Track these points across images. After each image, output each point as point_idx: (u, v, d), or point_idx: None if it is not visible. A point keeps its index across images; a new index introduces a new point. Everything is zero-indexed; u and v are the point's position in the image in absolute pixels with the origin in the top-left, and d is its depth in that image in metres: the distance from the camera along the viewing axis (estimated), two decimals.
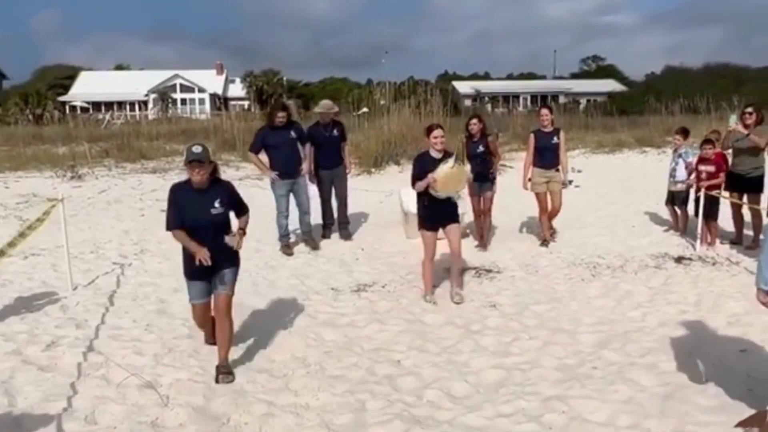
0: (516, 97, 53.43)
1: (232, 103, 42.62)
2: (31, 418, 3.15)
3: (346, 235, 7.36)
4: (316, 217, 7.29)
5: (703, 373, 3.58)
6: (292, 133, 6.78)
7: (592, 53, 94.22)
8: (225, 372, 3.63)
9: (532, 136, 6.95)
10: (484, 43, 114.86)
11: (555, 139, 6.78)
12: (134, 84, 45.50)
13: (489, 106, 46.30)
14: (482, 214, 6.92)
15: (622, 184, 11.59)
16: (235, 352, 3.99)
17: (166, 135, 19.20)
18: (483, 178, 6.62)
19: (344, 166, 7.40)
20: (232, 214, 3.86)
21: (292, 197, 6.85)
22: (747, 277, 5.39)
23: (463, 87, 55.15)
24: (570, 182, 7.72)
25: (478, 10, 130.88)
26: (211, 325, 3.87)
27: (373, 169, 12.17)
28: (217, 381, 3.58)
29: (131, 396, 3.43)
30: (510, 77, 73.86)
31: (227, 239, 3.66)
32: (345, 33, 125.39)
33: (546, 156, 6.79)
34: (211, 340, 4.00)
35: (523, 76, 71.09)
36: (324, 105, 7.43)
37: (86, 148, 14.99)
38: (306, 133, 7.08)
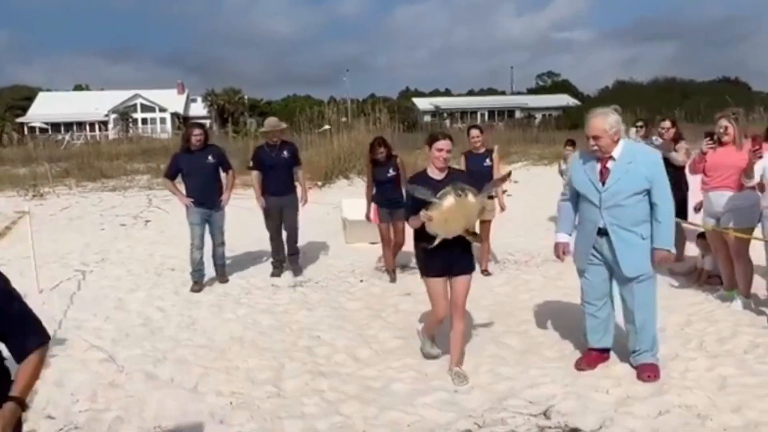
0: (474, 112, 55.31)
1: (194, 121, 42.96)
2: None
3: (296, 269, 6.66)
4: (255, 251, 7.28)
5: (559, 336, 4.54)
6: (210, 158, 6.18)
7: (550, 69, 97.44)
8: None
9: (462, 158, 6.50)
10: (445, 60, 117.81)
11: (487, 161, 6.37)
12: (94, 104, 45.52)
13: (448, 122, 48.01)
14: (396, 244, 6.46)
15: (551, 192, 12.69)
16: (178, 335, 4.79)
17: (127, 154, 19.70)
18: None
19: (296, 194, 6.64)
20: None
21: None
22: None
23: (423, 103, 56.75)
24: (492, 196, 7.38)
25: (439, 27, 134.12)
26: None
27: (319, 183, 13.01)
28: None
29: (93, 367, 4.19)
30: (471, 93, 76.11)
31: None
32: (307, 51, 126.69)
33: (478, 180, 6.76)
34: None
35: (483, 92, 73.32)
36: (269, 123, 6.75)
37: (47, 168, 15.45)
38: (254, 158, 6.61)
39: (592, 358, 3.97)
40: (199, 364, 4.19)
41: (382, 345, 4.56)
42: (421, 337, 4.33)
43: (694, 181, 5.97)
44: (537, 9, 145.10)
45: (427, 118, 50.09)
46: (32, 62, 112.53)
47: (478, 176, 5.92)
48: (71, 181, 15.06)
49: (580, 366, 3.93)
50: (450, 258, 3.76)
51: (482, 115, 54.86)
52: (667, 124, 6.59)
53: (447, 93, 78.50)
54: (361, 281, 6.40)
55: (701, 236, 5.95)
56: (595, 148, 3.65)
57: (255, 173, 6.61)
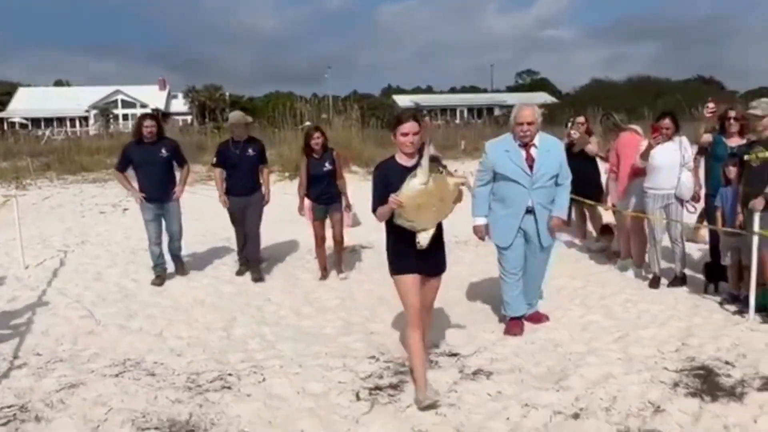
0: (453, 110, 56.35)
1: (175, 117, 43.37)
2: (2, 334, 4.64)
3: (256, 277, 6.18)
4: (220, 247, 7.38)
5: (479, 301, 5.39)
6: (163, 151, 6.00)
7: (531, 67, 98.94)
8: None
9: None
10: (427, 58, 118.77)
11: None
12: (74, 100, 45.67)
13: (428, 119, 49.00)
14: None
15: None
16: (149, 299, 5.58)
17: (108, 149, 20.25)
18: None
19: (260, 194, 6.32)
20: None
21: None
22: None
23: (404, 101, 57.53)
24: None
25: (423, 25, 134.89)
26: None
27: (287, 173, 13.78)
28: None
29: (74, 321, 4.96)
30: (453, 90, 77.21)
31: None
32: (290, 48, 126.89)
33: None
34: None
35: (465, 90, 74.41)
36: (234, 117, 6.42)
37: (29, 162, 16.03)
38: (217, 154, 6.27)
39: (517, 324, 4.43)
40: (165, 318, 4.99)
41: (322, 304, 5.38)
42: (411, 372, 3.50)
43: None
44: (520, 7, 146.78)
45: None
46: (12, 58, 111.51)
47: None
48: (52, 174, 15.66)
49: (510, 333, 4.38)
50: (424, 254, 3.32)
51: (461, 112, 55.88)
52: (581, 119, 7.50)
53: (429, 90, 79.48)
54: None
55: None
56: (528, 133, 4.18)
57: (218, 171, 6.32)
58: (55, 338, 4.57)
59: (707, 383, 3.45)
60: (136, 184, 6.09)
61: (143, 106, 46.72)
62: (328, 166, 6.00)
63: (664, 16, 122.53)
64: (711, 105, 5.84)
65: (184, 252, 6.65)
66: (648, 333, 4.32)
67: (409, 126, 3.34)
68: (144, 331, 4.69)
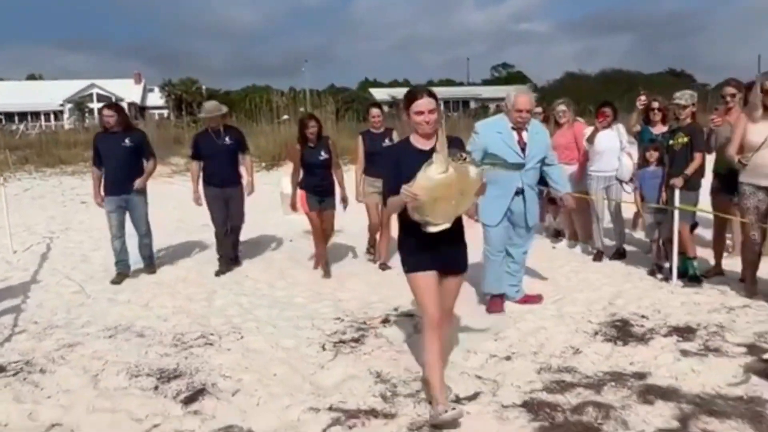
0: None
1: (151, 111, 43.25)
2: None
3: (234, 257, 6.31)
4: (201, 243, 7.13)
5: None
6: (127, 141, 5.80)
7: (508, 60, 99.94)
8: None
9: (360, 138, 6.23)
10: (404, 51, 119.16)
11: (387, 141, 6.06)
12: (48, 94, 45.21)
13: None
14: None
15: None
16: (136, 276, 6.02)
17: (84, 143, 20.34)
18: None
19: (242, 185, 6.17)
20: None
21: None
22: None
23: (380, 94, 57.86)
24: None
25: (400, 18, 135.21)
26: None
27: (264, 163, 14.22)
28: None
29: (66, 296, 5.39)
30: (429, 84, 77.78)
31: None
32: (267, 41, 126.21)
33: (377, 162, 5.79)
34: None
35: (441, 83, 75.02)
36: (207, 108, 6.19)
37: (7, 155, 16.17)
38: (193, 145, 6.17)
39: (498, 302, 4.62)
40: (150, 292, 5.45)
41: (295, 279, 5.88)
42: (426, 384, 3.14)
43: None
44: (496, 1, 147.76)
45: (384, 108, 51.24)
46: None
47: (377, 158, 5.56)
48: (31, 167, 15.85)
49: (491, 311, 4.58)
50: (442, 249, 2.96)
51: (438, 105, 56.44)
52: (538, 109, 8.08)
53: (406, 84, 79.94)
54: (291, 241, 7.68)
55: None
56: (526, 119, 4.36)
57: (194, 164, 6.17)
58: (49, 309, 5.01)
59: (622, 332, 4.05)
60: None
61: (119, 100, 46.39)
62: (323, 155, 5.78)
63: (637, 9, 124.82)
64: (643, 98, 6.46)
65: (162, 242, 6.97)
66: (582, 296, 4.92)
67: (425, 103, 2.91)
68: (132, 303, 5.15)
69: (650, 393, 3.16)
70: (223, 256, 6.15)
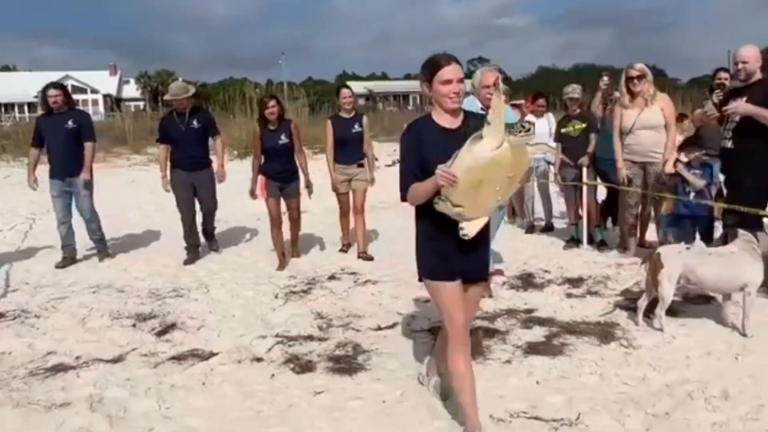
0: (406, 96, 57.73)
1: (127, 103, 43.29)
2: None
3: (215, 247, 6.32)
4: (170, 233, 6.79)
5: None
6: (70, 123, 5.67)
7: (484, 54, 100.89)
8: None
9: (329, 123, 5.96)
10: (383, 45, 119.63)
11: (356, 126, 5.87)
12: (22, 86, 44.86)
13: (381, 105, 50.24)
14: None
15: None
16: (115, 250, 6.69)
17: None
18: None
19: (211, 169, 6.00)
20: None
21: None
22: None
23: (357, 87, 58.35)
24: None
25: (379, 11, 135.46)
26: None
27: (236, 152, 14.86)
28: None
29: (52, 264, 6.05)
30: (408, 77, 78.47)
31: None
32: (245, 33, 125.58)
33: (347, 149, 5.86)
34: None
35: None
36: (174, 89, 5.93)
37: None
38: (160, 129, 5.96)
39: None
40: (127, 259, 6.16)
41: (259, 249, 6.60)
42: (426, 377, 3.07)
43: None
44: None
45: (361, 101, 51.92)
46: None
47: (346, 144, 5.78)
48: (8, 156, 16.23)
49: None
50: (469, 252, 2.54)
51: (414, 98, 57.19)
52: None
53: (384, 77, 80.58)
54: (258, 219, 8.36)
55: None
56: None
57: (162, 148, 6.00)
58: (38, 274, 5.68)
59: (525, 282, 4.90)
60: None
61: (94, 91, 46.35)
62: (284, 138, 5.50)
63: (615, 5, 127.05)
64: (606, 78, 6.44)
65: (139, 224, 7.55)
66: (505, 258, 5.73)
67: (452, 70, 2.42)
68: (111, 268, 5.86)
69: (531, 322, 3.99)
70: (191, 245, 5.99)
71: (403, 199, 2.54)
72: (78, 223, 6.16)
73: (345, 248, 6.20)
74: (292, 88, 23.93)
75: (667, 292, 3.68)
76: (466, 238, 2.41)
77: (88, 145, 5.83)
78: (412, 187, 2.46)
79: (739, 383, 3.10)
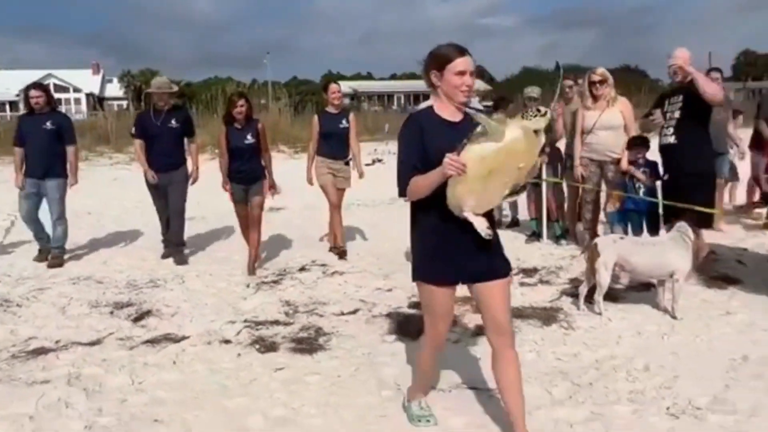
0: (391, 96, 58.12)
1: (110, 102, 43.12)
2: None
3: (180, 260, 5.86)
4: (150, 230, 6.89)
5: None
6: (49, 124, 5.72)
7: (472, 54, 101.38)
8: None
9: (315, 118, 6.02)
10: (369, 44, 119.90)
11: (344, 122, 5.90)
12: (4, 84, 44.51)
13: (366, 105, 50.57)
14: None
15: None
16: (92, 242, 6.91)
17: None
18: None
19: (185, 170, 5.94)
20: None
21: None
22: None
23: (342, 87, 58.66)
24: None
25: (364, 11, 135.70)
26: None
27: (217, 150, 15.07)
28: None
29: (32, 258, 6.27)
30: (393, 77, 78.78)
31: None
32: (230, 32, 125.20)
33: (333, 144, 5.90)
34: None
35: (405, 76, 76.14)
36: (156, 83, 5.92)
37: None
38: (136, 124, 5.93)
39: None
40: (107, 253, 6.41)
41: (234, 246, 6.86)
42: (407, 399, 2.87)
43: None
44: None
45: (346, 101, 52.10)
46: None
47: (332, 139, 5.80)
48: None
49: None
50: (474, 254, 2.36)
51: (399, 98, 57.66)
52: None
53: (369, 77, 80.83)
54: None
55: None
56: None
57: (138, 142, 5.92)
58: (20, 267, 5.89)
59: None
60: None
61: (76, 90, 46.11)
62: (250, 138, 5.38)
63: (600, 6, 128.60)
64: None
65: (119, 220, 7.78)
66: None
67: (466, 62, 2.35)
68: (90, 261, 6.10)
69: None
70: (167, 239, 6.06)
71: (402, 194, 2.36)
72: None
73: (342, 254, 5.90)
74: (275, 88, 24.15)
75: (604, 279, 4.02)
76: (489, 237, 2.25)
77: (70, 149, 5.89)
78: (414, 180, 2.30)
79: (660, 359, 3.44)
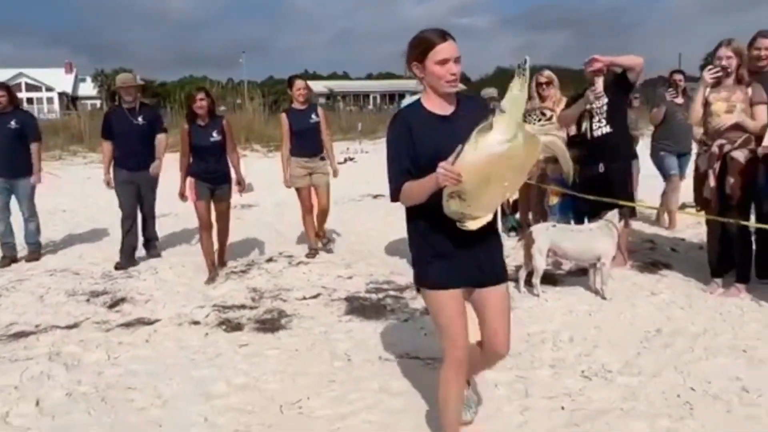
0: (367, 96, 58.51)
1: (84, 102, 42.75)
2: None
3: (154, 253, 6.05)
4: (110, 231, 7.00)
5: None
6: (13, 123, 5.77)
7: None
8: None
9: (283, 116, 5.81)
10: (345, 44, 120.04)
11: (313, 116, 5.74)
12: None
13: (341, 104, 50.90)
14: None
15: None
16: (74, 233, 7.17)
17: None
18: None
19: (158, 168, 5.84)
20: None
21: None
22: None
23: (318, 86, 58.97)
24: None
25: (340, 11, 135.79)
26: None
27: None
28: None
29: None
30: (369, 77, 79.18)
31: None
32: (205, 31, 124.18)
33: (306, 141, 5.73)
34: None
35: (381, 76, 76.58)
36: (121, 78, 5.84)
37: None
38: (104, 123, 5.87)
39: None
40: (83, 248, 6.68)
41: None
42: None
43: None
44: None
45: (322, 100, 52.35)
46: None
47: (304, 137, 5.63)
48: None
49: None
50: (476, 255, 2.27)
51: (374, 98, 58.08)
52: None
53: (345, 76, 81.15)
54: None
55: None
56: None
57: (105, 145, 5.85)
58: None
59: None
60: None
61: (49, 89, 45.57)
62: (215, 136, 5.14)
63: (576, 5, 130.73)
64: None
65: (94, 219, 7.97)
66: None
67: (449, 48, 2.15)
68: (66, 255, 6.38)
69: None
70: (128, 246, 5.83)
71: (395, 199, 2.20)
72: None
73: (312, 253, 5.82)
74: (250, 87, 24.36)
75: (539, 263, 4.46)
76: (464, 228, 2.10)
77: (33, 147, 5.93)
78: (407, 186, 2.15)
79: (585, 332, 3.89)
